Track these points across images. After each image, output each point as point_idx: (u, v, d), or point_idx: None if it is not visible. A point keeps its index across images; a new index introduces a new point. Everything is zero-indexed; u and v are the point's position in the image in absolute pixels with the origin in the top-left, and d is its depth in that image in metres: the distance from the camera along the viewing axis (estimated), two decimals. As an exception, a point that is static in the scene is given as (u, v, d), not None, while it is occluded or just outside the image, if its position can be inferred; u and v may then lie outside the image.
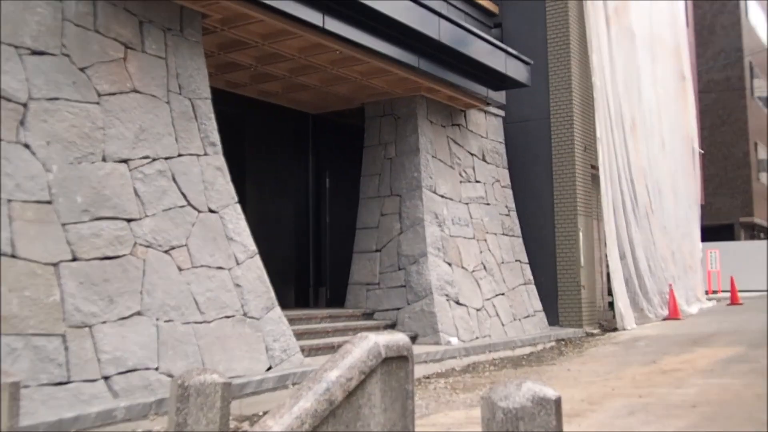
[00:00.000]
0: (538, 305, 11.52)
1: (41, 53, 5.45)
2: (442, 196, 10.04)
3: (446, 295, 9.39)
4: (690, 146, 19.13)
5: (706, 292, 20.63)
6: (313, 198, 11.45)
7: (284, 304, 7.75)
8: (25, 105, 5.28)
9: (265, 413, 5.59)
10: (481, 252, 10.52)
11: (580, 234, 11.98)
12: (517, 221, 11.79)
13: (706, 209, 25.29)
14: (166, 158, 6.22)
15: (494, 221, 11.12)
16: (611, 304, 13.02)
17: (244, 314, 6.46)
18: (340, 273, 10.79)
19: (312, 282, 11.25)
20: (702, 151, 22.22)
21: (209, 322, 6.14)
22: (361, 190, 10.29)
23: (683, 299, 15.92)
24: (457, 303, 9.54)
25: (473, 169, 10.98)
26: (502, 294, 10.68)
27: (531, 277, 11.61)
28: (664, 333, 11.55)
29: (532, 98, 12.25)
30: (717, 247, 23.58)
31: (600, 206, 12.86)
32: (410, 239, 9.57)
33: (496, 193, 11.41)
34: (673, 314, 14.31)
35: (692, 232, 18.46)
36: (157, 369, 5.54)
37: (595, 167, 12.79)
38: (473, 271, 10.17)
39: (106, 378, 5.19)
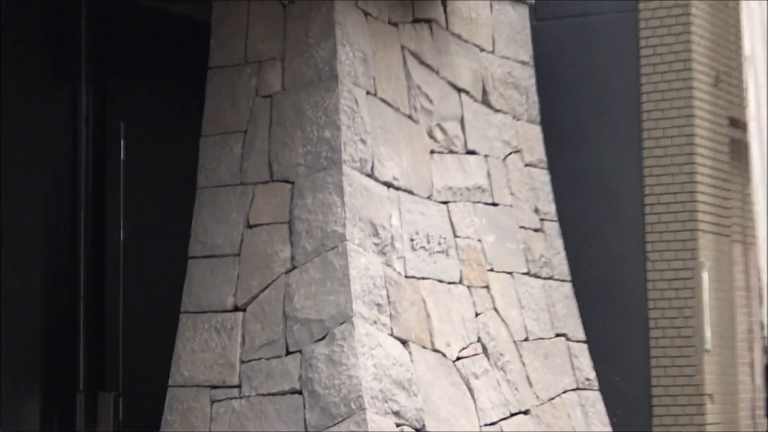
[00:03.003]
0: (608, 438, 11.98)
1: None
2: (390, 185, 10.33)
3: (395, 414, 9.59)
4: None
5: None
6: (86, 181, 11.52)
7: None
8: None
9: None
10: (477, 314, 10.81)
11: (705, 276, 12.38)
12: (560, 244, 12.20)
13: None
14: None
15: (509, 243, 11.46)
16: (773, 436, 13.53)
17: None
18: (148, 359, 10.94)
19: (83, 380, 11.32)
20: None
21: None
22: (201, 166, 10.50)
23: None
24: None
25: (461, 123, 11.34)
26: (526, 412, 11.01)
27: (592, 374, 11.99)
28: None
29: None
30: None
31: (751, 212, 13.33)
32: (315, 282, 9.77)
33: (512, 180, 11.75)
34: None
35: None
36: None
37: (740, 123, 13.30)
38: (459, 358, 10.47)
39: None
